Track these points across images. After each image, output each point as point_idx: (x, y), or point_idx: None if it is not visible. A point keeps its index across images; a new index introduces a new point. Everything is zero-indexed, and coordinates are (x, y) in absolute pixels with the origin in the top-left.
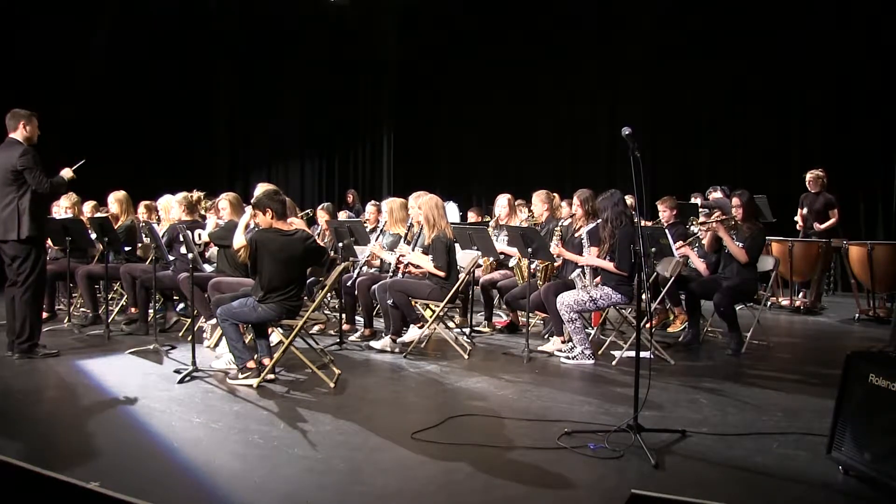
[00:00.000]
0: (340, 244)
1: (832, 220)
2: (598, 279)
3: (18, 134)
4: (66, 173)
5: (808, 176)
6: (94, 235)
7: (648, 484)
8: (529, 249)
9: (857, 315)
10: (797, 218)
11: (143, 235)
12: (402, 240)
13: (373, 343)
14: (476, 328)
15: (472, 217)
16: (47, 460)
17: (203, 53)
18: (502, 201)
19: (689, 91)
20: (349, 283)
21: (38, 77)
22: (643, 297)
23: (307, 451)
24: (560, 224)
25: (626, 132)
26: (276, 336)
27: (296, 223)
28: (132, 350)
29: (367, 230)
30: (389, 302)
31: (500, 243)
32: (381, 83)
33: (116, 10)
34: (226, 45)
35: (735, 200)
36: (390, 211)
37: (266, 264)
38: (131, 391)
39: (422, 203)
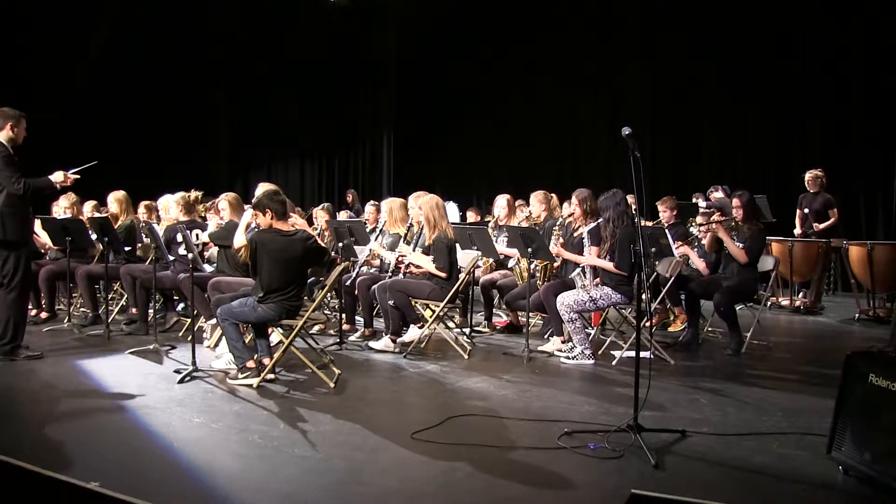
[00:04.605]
0: (340, 244)
1: (832, 220)
2: (597, 279)
3: (3, 135)
4: (57, 176)
5: (808, 176)
6: (94, 235)
7: (648, 484)
8: (529, 249)
9: (857, 315)
10: (797, 222)
11: (143, 235)
12: (402, 240)
13: (372, 343)
14: (476, 328)
15: (471, 217)
16: (47, 460)
17: (203, 53)
18: (501, 202)
19: (690, 91)
20: (349, 283)
21: (38, 77)
22: (643, 297)
23: (307, 451)
24: (558, 223)
25: (626, 132)
26: (276, 336)
27: (298, 223)
28: (132, 350)
29: (367, 230)
30: (389, 302)
31: (500, 244)
32: (381, 83)
33: (116, 9)
34: (226, 45)
35: (735, 201)
36: (390, 211)
37: (265, 265)
38: (131, 391)
39: (422, 203)
